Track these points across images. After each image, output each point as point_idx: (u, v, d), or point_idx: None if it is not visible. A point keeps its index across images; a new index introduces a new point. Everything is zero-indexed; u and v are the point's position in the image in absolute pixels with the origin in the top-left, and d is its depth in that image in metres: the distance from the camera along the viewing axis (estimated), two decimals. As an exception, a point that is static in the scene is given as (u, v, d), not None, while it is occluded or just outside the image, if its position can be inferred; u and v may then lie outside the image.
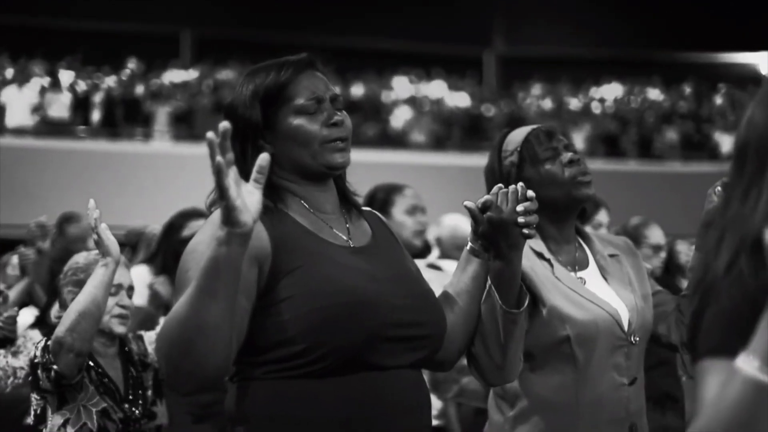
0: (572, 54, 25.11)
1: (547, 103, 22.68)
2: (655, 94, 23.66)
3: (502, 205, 2.33)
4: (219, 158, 1.81)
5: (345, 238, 2.29)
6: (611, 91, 23.86)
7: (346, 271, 2.16)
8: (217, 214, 2.05)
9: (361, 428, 2.09)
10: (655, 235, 5.38)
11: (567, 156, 2.82)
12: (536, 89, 23.64)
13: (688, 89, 23.75)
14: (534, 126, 2.91)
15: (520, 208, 2.31)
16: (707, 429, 1.41)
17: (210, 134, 1.80)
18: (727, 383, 1.41)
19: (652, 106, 22.81)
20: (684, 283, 5.65)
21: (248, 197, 1.88)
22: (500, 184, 2.38)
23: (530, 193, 2.34)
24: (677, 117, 21.98)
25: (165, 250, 4.96)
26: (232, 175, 1.84)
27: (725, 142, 20.92)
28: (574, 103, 22.90)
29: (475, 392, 5.12)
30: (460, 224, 6.71)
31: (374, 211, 2.52)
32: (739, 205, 1.59)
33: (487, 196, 2.37)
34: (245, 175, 1.91)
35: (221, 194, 1.84)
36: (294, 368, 2.09)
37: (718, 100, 23.06)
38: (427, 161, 18.08)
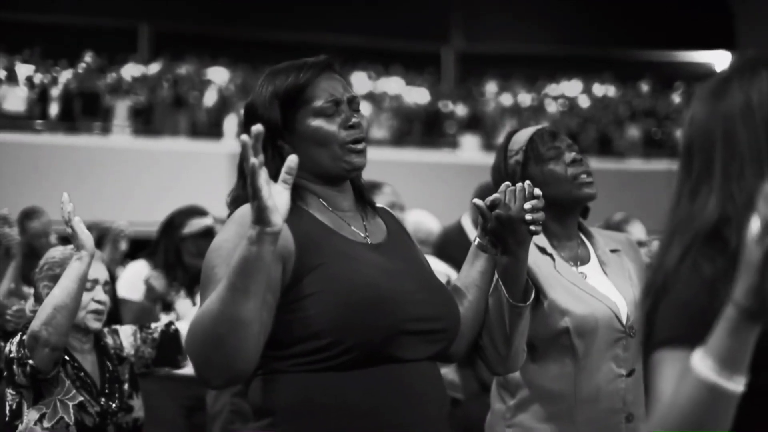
0: (531, 50, 25.18)
1: (506, 100, 22.74)
2: (612, 91, 23.79)
3: (510, 202, 2.41)
4: (254, 159, 1.86)
5: (363, 235, 2.36)
6: (571, 89, 23.97)
7: (366, 268, 2.23)
8: (239, 213, 2.19)
9: (384, 418, 2.16)
10: (637, 231, 5.45)
11: (570, 156, 2.95)
12: (494, 86, 23.69)
13: (645, 87, 23.91)
14: (539, 126, 3.03)
15: (527, 205, 2.40)
16: (662, 427, 1.41)
17: (244, 136, 1.87)
18: (682, 381, 1.39)
19: (611, 104, 22.94)
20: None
21: (278, 197, 1.94)
22: (508, 182, 2.46)
23: (537, 191, 2.42)
24: (640, 114, 22.11)
25: (166, 246, 5.08)
26: (263, 175, 1.90)
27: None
28: (533, 100, 22.99)
29: (451, 383, 5.18)
30: (423, 220, 6.71)
31: (387, 208, 2.58)
32: (688, 204, 1.59)
33: (495, 194, 2.45)
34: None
35: (254, 195, 1.89)
36: (319, 362, 2.15)
37: (676, 98, 23.24)
38: (387, 157, 18.06)
